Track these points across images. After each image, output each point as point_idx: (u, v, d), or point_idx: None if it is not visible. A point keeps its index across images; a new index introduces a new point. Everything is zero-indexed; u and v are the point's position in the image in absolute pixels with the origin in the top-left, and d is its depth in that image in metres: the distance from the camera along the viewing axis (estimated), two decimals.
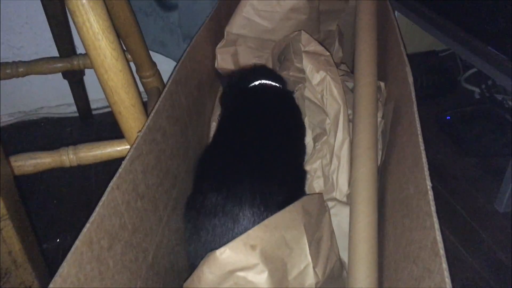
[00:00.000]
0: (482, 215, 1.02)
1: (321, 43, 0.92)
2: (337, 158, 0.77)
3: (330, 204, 0.74)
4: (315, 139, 0.82)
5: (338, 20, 1.17)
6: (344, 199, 0.75)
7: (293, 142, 0.82)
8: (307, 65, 0.84)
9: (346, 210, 0.72)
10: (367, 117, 0.75)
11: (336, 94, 0.80)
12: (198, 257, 0.63)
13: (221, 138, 0.79)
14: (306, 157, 0.83)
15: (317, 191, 0.78)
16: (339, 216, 0.74)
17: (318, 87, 0.82)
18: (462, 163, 1.17)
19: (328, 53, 0.89)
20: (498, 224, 1.00)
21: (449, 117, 1.29)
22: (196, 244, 0.65)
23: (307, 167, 0.79)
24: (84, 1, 0.63)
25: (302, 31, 0.93)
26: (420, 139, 0.54)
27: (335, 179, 0.76)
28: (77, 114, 1.42)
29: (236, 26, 1.01)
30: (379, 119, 0.81)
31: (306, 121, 0.83)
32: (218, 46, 1.02)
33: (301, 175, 0.78)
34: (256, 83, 0.88)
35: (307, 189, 0.79)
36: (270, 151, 0.73)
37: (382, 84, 0.86)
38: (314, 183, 0.79)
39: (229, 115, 0.84)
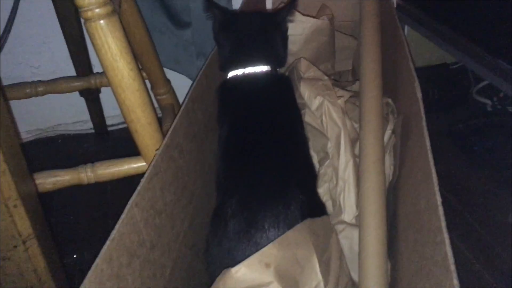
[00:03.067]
0: (496, 228, 1.02)
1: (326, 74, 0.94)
2: (342, 181, 0.77)
3: (340, 227, 0.75)
4: (320, 163, 0.83)
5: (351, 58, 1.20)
6: (353, 221, 0.75)
7: (298, 133, 0.82)
8: (305, 91, 0.86)
9: (356, 233, 0.72)
10: (372, 131, 0.76)
11: (336, 118, 0.81)
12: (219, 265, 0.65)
13: (232, 145, 0.78)
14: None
15: None
16: (350, 239, 0.74)
17: (317, 112, 0.83)
18: (475, 175, 1.17)
19: (326, 78, 0.90)
20: None
21: (462, 130, 1.29)
22: (219, 253, 0.66)
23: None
24: (102, 24, 0.65)
25: (302, 58, 0.95)
26: (430, 154, 0.55)
27: (342, 201, 0.77)
28: (93, 131, 1.45)
29: None
30: (389, 132, 0.82)
31: (310, 145, 0.85)
32: None
33: (310, 165, 0.80)
34: (240, 72, 0.85)
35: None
36: (279, 149, 0.74)
37: (389, 100, 0.87)
38: None
39: (233, 118, 0.83)
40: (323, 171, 0.80)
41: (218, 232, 0.67)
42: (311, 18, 1.08)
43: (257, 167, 0.71)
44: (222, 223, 0.66)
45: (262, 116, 0.79)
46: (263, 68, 0.85)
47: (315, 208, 0.71)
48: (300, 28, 1.05)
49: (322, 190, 0.80)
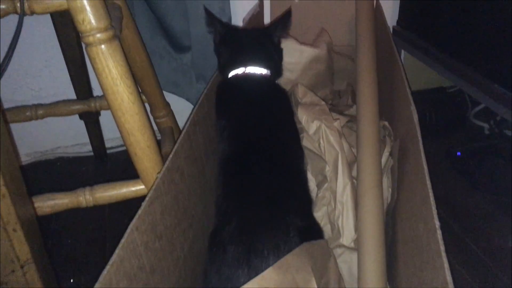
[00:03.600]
0: (496, 252, 1.01)
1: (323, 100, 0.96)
2: (340, 204, 0.78)
3: (338, 251, 0.75)
4: (318, 187, 0.83)
5: (348, 79, 1.22)
6: (352, 245, 0.75)
7: (295, 150, 0.83)
8: (302, 116, 0.88)
9: (355, 256, 0.72)
10: (369, 156, 0.77)
11: (333, 141, 0.82)
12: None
13: (231, 162, 0.79)
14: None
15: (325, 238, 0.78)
16: (348, 263, 0.74)
17: (315, 136, 0.85)
18: (474, 199, 1.17)
19: (323, 103, 0.93)
20: None
21: (459, 153, 1.30)
22: (219, 280, 0.66)
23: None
24: (103, 49, 0.66)
25: (299, 84, 0.98)
26: (427, 178, 0.55)
27: (340, 225, 0.77)
28: (92, 153, 1.45)
29: None
30: (387, 155, 0.83)
31: (309, 168, 0.85)
32: None
33: (307, 188, 0.80)
34: (241, 71, 0.90)
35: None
36: (278, 171, 0.75)
37: (386, 123, 0.88)
38: None
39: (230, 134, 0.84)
40: (322, 194, 0.81)
41: (216, 258, 0.66)
42: (308, 48, 1.11)
43: (255, 189, 0.72)
44: (220, 249, 0.66)
45: (260, 126, 0.81)
46: (262, 71, 0.90)
47: (313, 233, 0.70)
48: (297, 57, 1.08)
49: (321, 214, 0.80)
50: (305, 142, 0.85)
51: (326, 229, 0.79)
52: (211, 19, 0.96)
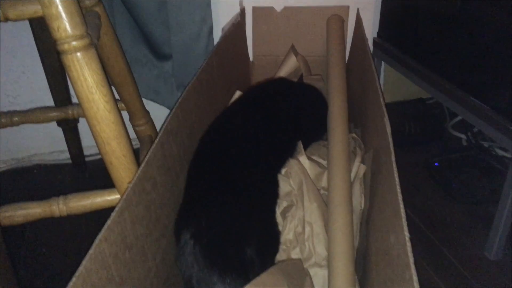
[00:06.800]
0: (472, 262, 1.02)
1: None
2: (309, 225, 0.78)
3: (311, 271, 0.74)
4: (284, 212, 0.83)
5: None
6: (324, 263, 0.75)
7: (270, 158, 0.84)
8: None
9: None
10: (338, 173, 0.80)
11: (297, 169, 0.84)
12: None
13: (198, 161, 0.81)
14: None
15: None
16: (322, 282, 0.74)
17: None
18: (451, 209, 1.18)
19: None
20: (489, 272, 1.00)
21: (437, 164, 1.31)
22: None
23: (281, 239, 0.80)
24: (79, 56, 0.66)
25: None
26: (398, 190, 0.56)
27: (311, 245, 0.77)
28: (70, 161, 1.43)
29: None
30: (357, 164, 0.86)
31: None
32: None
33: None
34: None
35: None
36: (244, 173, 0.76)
37: (354, 135, 0.93)
38: (292, 254, 0.78)
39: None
40: (290, 217, 0.81)
41: (181, 269, 0.67)
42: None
43: (215, 193, 0.73)
44: (182, 257, 0.66)
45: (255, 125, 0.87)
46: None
47: (269, 240, 0.73)
48: None
49: (290, 237, 0.79)
50: None
51: (297, 251, 0.78)
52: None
